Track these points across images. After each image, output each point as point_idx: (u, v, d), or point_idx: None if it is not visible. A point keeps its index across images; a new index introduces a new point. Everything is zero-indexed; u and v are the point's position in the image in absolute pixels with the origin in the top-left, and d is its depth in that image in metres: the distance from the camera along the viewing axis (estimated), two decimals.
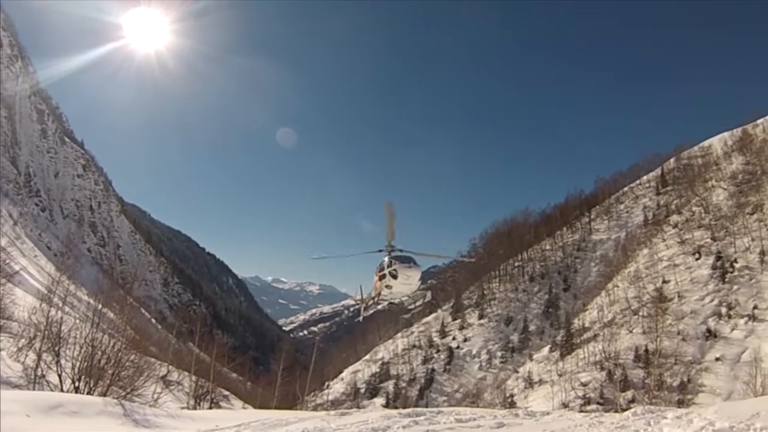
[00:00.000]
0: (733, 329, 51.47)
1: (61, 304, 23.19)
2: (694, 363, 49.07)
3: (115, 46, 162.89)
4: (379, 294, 19.11)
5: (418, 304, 21.43)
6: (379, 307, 20.35)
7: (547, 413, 19.03)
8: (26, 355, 19.65)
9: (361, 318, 21.33)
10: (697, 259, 62.47)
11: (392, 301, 19.86)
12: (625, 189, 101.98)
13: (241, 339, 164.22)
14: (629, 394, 47.38)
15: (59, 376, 17.19)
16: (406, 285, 17.95)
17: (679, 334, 52.07)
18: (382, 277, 18.22)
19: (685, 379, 47.05)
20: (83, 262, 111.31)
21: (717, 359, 48.70)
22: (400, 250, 18.36)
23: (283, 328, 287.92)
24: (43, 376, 17.53)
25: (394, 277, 17.70)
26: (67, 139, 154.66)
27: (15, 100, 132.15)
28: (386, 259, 18.23)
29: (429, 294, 20.66)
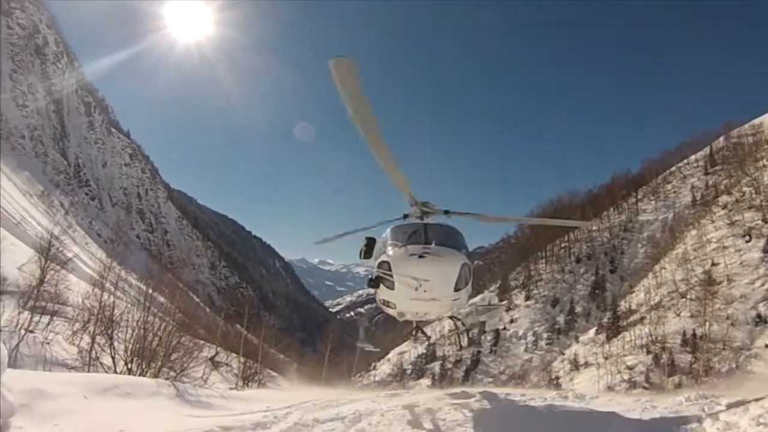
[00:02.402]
0: None
1: (112, 289, 23.66)
2: (743, 349, 47.11)
3: (157, 36, 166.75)
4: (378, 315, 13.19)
5: (471, 338, 13.94)
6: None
7: (596, 396, 18.67)
8: (81, 339, 20.12)
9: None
10: (747, 242, 59.89)
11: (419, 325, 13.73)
12: (673, 169, 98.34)
13: (288, 321, 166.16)
14: (676, 378, 46.19)
15: (113, 358, 17.59)
16: (422, 300, 9.72)
17: (728, 318, 50.12)
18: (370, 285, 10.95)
19: (734, 366, 45.28)
20: (132, 248, 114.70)
21: (767, 345, 47.03)
22: (446, 212, 11.04)
23: (330, 309, 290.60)
24: (97, 358, 17.93)
25: (383, 282, 10.11)
26: (113, 130, 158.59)
27: (62, 94, 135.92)
28: (377, 239, 11.66)
29: (500, 312, 14.54)
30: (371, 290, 11.25)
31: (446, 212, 10.99)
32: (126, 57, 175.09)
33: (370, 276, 10.57)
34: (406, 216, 11.17)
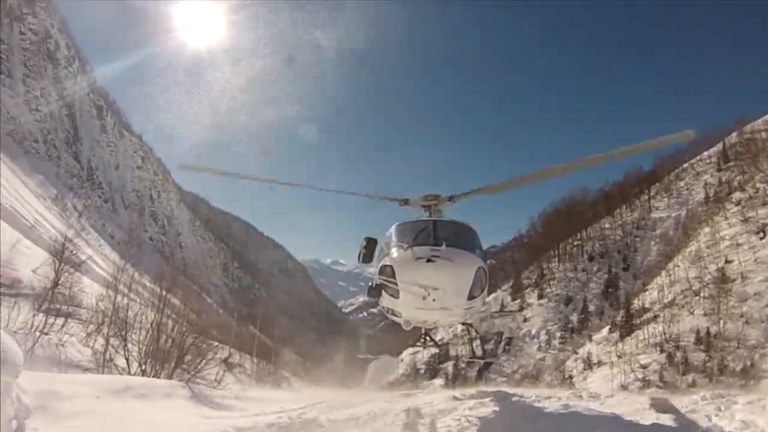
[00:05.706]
0: None
1: (126, 291, 23.82)
2: (758, 347, 46.53)
3: (167, 39, 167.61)
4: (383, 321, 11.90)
5: (486, 340, 12.40)
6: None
7: (611, 395, 18.51)
8: (95, 340, 20.26)
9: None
10: (761, 239, 58.97)
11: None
12: (685, 165, 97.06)
13: (300, 321, 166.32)
14: (690, 377, 45.73)
15: (126, 359, 17.70)
16: (431, 309, 8.36)
17: (742, 316, 49.43)
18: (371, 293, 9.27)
19: (749, 364, 44.70)
20: (145, 249, 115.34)
21: None
22: (450, 198, 10.13)
23: (343, 310, 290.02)
24: (111, 359, 18.03)
25: (386, 290, 8.73)
26: (125, 133, 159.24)
27: (75, 98, 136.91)
28: (378, 239, 10.27)
29: (514, 316, 13.32)
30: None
31: (450, 199, 10.02)
32: (136, 60, 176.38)
33: (370, 284, 9.21)
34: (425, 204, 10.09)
